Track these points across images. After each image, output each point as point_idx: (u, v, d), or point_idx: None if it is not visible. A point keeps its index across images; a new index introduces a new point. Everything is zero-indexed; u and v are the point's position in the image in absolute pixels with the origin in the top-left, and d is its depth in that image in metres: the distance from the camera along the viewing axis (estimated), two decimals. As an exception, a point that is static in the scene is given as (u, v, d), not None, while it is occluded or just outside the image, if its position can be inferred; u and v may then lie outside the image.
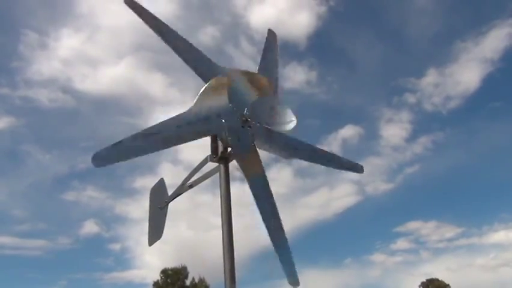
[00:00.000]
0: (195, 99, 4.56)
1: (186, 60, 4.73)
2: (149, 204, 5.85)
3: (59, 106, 52.62)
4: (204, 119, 4.48)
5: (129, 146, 4.12)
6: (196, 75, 4.74)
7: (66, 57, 55.72)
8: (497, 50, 56.77)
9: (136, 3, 4.60)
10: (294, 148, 5.19)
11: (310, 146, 5.39)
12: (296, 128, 4.97)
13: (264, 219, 4.51)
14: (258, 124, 4.71)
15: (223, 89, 4.65)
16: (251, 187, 4.53)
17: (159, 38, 4.67)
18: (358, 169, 5.68)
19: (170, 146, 4.48)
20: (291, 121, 4.95)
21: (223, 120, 4.50)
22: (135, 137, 4.16)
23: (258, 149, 4.72)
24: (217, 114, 4.52)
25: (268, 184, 4.64)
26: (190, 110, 4.47)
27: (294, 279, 4.55)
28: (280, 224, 4.60)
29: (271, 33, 6.03)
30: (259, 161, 4.69)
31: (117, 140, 4.06)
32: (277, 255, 4.51)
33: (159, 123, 4.35)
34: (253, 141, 4.66)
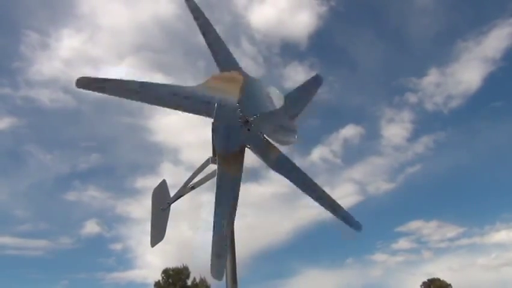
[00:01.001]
0: (205, 80, 4.64)
1: (214, 52, 4.95)
2: (152, 206, 5.86)
3: (60, 106, 52.61)
4: (203, 100, 4.53)
5: (120, 85, 4.16)
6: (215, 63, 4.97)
7: (67, 58, 55.68)
8: (499, 49, 56.58)
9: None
10: (287, 171, 5.01)
11: (306, 177, 5.14)
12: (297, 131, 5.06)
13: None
14: (255, 117, 4.76)
15: (234, 84, 4.69)
16: (218, 184, 4.42)
17: (195, 23, 4.90)
18: (356, 226, 5.24)
19: (159, 106, 4.48)
20: (294, 140, 5.05)
21: (220, 111, 4.53)
22: (128, 81, 4.19)
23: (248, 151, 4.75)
24: (218, 102, 4.56)
25: (238, 189, 4.50)
26: (194, 87, 4.55)
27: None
28: (228, 233, 4.40)
29: (318, 77, 6.27)
30: (241, 164, 4.60)
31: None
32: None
33: (161, 83, 4.42)
34: (263, 136, 4.78)
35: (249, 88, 4.85)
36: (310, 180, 5.14)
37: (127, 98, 4.28)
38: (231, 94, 4.68)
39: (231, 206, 4.41)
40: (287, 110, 5.17)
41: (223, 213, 4.34)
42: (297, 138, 5.18)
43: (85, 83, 4.02)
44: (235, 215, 4.44)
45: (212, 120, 4.59)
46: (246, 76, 4.96)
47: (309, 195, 5.03)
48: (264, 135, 4.86)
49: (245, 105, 4.72)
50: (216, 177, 4.61)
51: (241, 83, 4.79)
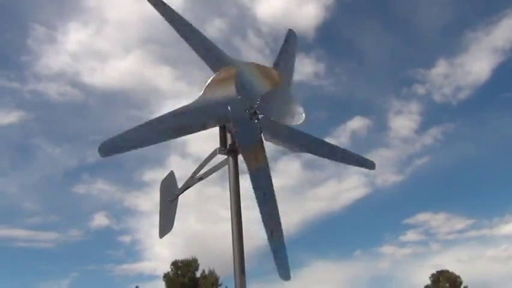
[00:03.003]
0: (202, 90, 4.55)
1: (197, 50, 4.74)
2: (160, 197, 5.88)
3: (67, 100, 53.16)
4: (210, 110, 4.48)
5: (135, 136, 4.14)
6: (208, 66, 4.74)
7: (74, 51, 56.19)
8: (509, 39, 55.94)
9: None
10: (301, 143, 5.14)
11: (319, 140, 5.29)
12: (306, 120, 4.98)
13: (261, 213, 4.43)
14: (266, 117, 4.71)
15: (232, 79, 4.63)
16: (252, 179, 4.47)
17: (171, 26, 4.74)
18: (369, 165, 5.56)
19: (176, 137, 4.47)
20: (300, 115, 4.95)
21: (230, 111, 4.48)
22: (141, 127, 4.17)
23: (265, 142, 4.69)
24: (224, 104, 4.51)
25: (270, 177, 4.58)
26: (196, 101, 4.47)
27: (286, 274, 4.40)
28: (279, 219, 4.50)
29: (291, 33, 5.95)
30: (264, 154, 4.63)
31: (122, 131, 4.08)
32: (272, 250, 4.37)
33: (165, 113, 4.35)
34: (260, 133, 4.65)
35: (245, 76, 4.78)
36: (326, 144, 5.36)
37: (145, 146, 4.27)
38: (232, 91, 4.61)
39: (273, 200, 4.52)
40: (281, 81, 5.10)
41: (270, 210, 4.46)
42: (304, 115, 5.10)
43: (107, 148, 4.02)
44: (277, 207, 4.52)
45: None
46: (238, 65, 4.86)
47: (331, 159, 5.37)
48: (272, 118, 4.81)
49: (246, 95, 4.67)
50: (228, 169, 4.64)
51: (236, 75, 4.71)
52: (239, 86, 4.62)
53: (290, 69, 5.58)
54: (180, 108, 4.43)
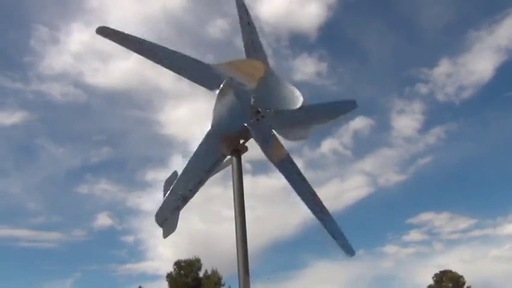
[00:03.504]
0: (211, 117, 4.59)
1: (175, 70, 4.73)
2: (163, 197, 5.89)
3: (70, 100, 53.31)
4: (215, 72, 4.57)
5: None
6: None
7: (77, 52, 56.27)
8: (512, 38, 55.59)
9: (108, 28, 4.40)
10: (305, 116, 5.13)
11: (316, 105, 5.42)
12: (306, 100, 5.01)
13: (304, 200, 4.65)
14: (268, 111, 4.73)
15: (256, 71, 4.65)
16: (282, 173, 4.66)
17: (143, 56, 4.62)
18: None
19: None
20: (296, 96, 4.94)
21: (240, 124, 4.58)
22: (173, 191, 4.53)
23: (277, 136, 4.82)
24: (232, 123, 4.60)
25: (296, 165, 4.79)
26: (218, 63, 4.57)
27: (349, 250, 4.78)
28: (320, 201, 4.74)
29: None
30: (282, 146, 4.82)
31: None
32: (327, 231, 4.66)
33: (189, 160, 4.61)
34: (271, 130, 4.75)
35: (269, 81, 4.80)
36: (310, 191, 4.86)
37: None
38: (249, 78, 4.65)
39: (308, 186, 4.76)
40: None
41: (310, 197, 4.73)
42: (301, 96, 5.14)
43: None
44: (315, 192, 4.76)
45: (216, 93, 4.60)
46: (268, 68, 4.92)
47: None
48: (273, 130, 4.83)
49: (260, 95, 4.70)
50: (231, 169, 4.69)
51: (263, 73, 4.73)
52: (262, 83, 4.65)
53: (257, 43, 5.36)
54: (198, 149, 4.63)
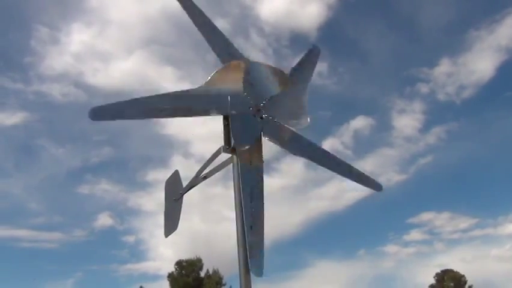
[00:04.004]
0: (209, 77, 4.53)
1: (212, 44, 4.76)
2: (165, 196, 5.86)
3: (71, 100, 53.12)
4: (213, 97, 4.47)
5: (131, 107, 4.11)
6: (218, 59, 4.79)
7: (77, 52, 56.16)
8: (513, 37, 55.53)
9: None
10: (306, 150, 5.11)
11: (322, 150, 5.27)
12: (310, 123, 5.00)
13: (244, 209, 4.36)
14: (271, 118, 4.72)
15: (240, 73, 4.62)
16: (242, 177, 4.45)
17: (188, 17, 4.74)
18: (376, 187, 5.54)
19: (173, 117, 4.50)
20: (305, 121, 4.97)
21: (232, 104, 4.47)
22: (139, 100, 4.14)
23: (267, 141, 4.72)
24: (229, 95, 4.49)
25: (262, 179, 4.54)
26: (201, 86, 4.47)
27: (258, 270, 4.26)
28: (262, 218, 4.41)
29: (315, 48, 5.91)
30: (260, 153, 4.63)
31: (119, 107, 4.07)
32: (248, 245, 4.27)
33: (167, 92, 4.35)
34: (260, 132, 4.65)
35: (255, 74, 4.77)
36: (328, 154, 5.26)
37: (138, 118, 4.31)
38: (238, 84, 4.61)
39: (259, 198, 4.46)
40: (293, 89, 5.10)
41: (252, 207, 4.39)
42: (310, 120, 5.12)
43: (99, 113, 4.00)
44: (263, 207, 4.47)
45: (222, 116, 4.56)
46: (248, 62, 4.88)
47: (330, 169, 5.20)
48: (276, 120, 4.80)
49: (254, 93, 4.66)
50: (232, 168, 4.63)
51: (245, 71, 4.70)
52: (247, 81, 4.62)
53: (306, 79, 5.54)
54: (183, 91, 4.42)
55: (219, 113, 4.59)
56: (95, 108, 3.93)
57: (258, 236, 4.33)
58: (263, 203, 4.48)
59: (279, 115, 4.87)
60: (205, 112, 4.53)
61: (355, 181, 5.36)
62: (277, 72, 5.04)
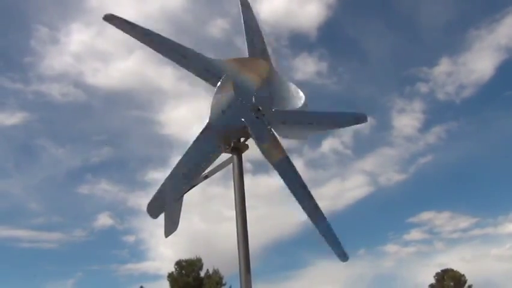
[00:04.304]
0: (209, 110, 4.55)
1: (179, 62, 4.67)
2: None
3: (71, 100, 53.10)
4: (221, 130, 4.53)
5: (169, 189, 4.40)
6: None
7: (77, 52, 56.14)
8: (512, 37, 55.58)
9: (115, 17, 4.34)
10: (307, 120, 5.22)
11: (320, 113, 5.50)
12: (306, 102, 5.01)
13: (298, 201, 4.60)
14: (270, 109, 4.75)
15: (259, 69, 4.71)
16: (279, 173, 4.63)
17: (146, 45, 4.57)
18: (361, 119, 5.79)
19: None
20: (299, 96, 4.96)
21: (240, 120, 4.55)
22: (170, 178, 4.40)
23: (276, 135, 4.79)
24: (231, 118, 4.56)
25: (293, 166, 4.75)
26: (207, 126, 4.50)
27: (343, 256, 4.75)
28: (315, 203, 4.68)
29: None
30: (280, 146, 4.78)
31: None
32: (322, 235, 4.63)
33: (183, 156, 4.48)
34: (269, 128, 4.71)
35: (272, 80, 4.82)
36: (307, 194, 4.85)
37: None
38: (251, 76, 4.68)
39: (304, 187, 4.73)
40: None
41: (306, 198, 4.69)
42: (305, 98, 5.17)
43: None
44: (311, 194, 4.73)
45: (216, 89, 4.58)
46: (271, 67, 4.93)
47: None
48: (272, 130, 4.82)
49: (263, 93, 4.70)
50: (232, 168, 4.68)
51: (266, 72, 4.75)
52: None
53: (264, 50, 5.38)
54: (194, 144, 4.51)
55: (236, 137, 4.75)
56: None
57: (324, 223, 4.65)
58: (309, 191, 4.72)
59: (274, 102, 4.90)
60: (227, 144, 4.71)
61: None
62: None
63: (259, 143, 4.63)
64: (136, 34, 4.41)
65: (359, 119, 5.69)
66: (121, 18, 4.31)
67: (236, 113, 4.54)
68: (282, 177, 4.59)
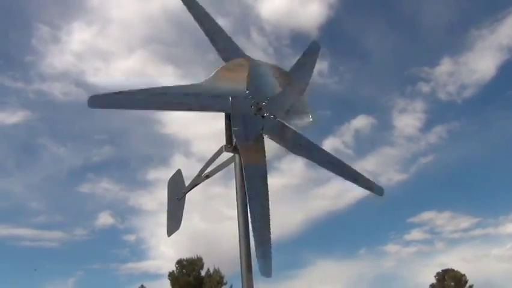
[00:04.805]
0: (210, 75, 4.52)
1: (214, 41, 4.73)
2: (167, 195, 5.85)
3: (72, 99, 53.06)
4: (213, 95, 4.46)
5: (129, 97, 4.11)
6: (220, 57, 4.77)
7: (78, 51, 56.11)
8: (514, 36, 55.46)
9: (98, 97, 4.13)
10: (307, 150, 5.08)
11: (325, 152, 5.23)
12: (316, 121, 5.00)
13: (251, 212, 4.26)
14: (272, 116, 4.72)
15: (243, 72, 4.61)
16: (246, 177, 4.36)
17: (190, 14, 4.70)
18: (377, 191, 5.46)
19: (171, 110, 4.55)
20: (309, 121, 4.97)
21: (233, 102, 4.46)
22: (139, 91, 4.14)
23: (266, 140, 4.70)
24: (229, 94, 4.48)
25: (266, 177, 4.46)
26: (202, 83, 4.47)
27: (267, 271, 4.12)
28: (268, 219, 4.31)
29: (315, 44, 5.90)
30: (263, 152, 4.58)
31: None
32: (256, 244, 4.16)
33: (167, 86, 4.36)
34: (261, 131, 4.64)
35: (256, 73, 4.77)
36: (329, 155, 5.21)
37: (138, 109, 4.34)
38: (240, 83, 4.61)
39: (264, 198, 4.37)
40: (294, 87, 5.09)
41: (258, 207, 4.30)
42: (313, 120, 5.12)
43: (98, 101, 4.02)
44: (268, 207, 4.38)
45: (224, 113, 4.55)
46: (251, 61, 4.89)
47: (330, 170, 5.14)
48: (278, 119, 4.80)
49: (255, 91, 4.66)
50: (233, 167, 4.63)
51: (248, 69, 4.70)
52: (249, 79, 4.61)
53: (306, 77, 5.51)
54: (185, 86, 4.43)
55: (219, 110, 4.59)
56: (94, 97, 3.97)
57: (265, 236, 4.24)
58: (268, 203, 4.40)
59: (281, 114, 4.86)
60: (205, 109, 4.54)
61: (356, 184, 5.30)
62: (278, 71, 5.05)
63: (275, 138, 4.62)
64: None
65: (375, 189, 5.45)
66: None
67: (250, 129, 4.54)
68: (246, 184, 4.32)
